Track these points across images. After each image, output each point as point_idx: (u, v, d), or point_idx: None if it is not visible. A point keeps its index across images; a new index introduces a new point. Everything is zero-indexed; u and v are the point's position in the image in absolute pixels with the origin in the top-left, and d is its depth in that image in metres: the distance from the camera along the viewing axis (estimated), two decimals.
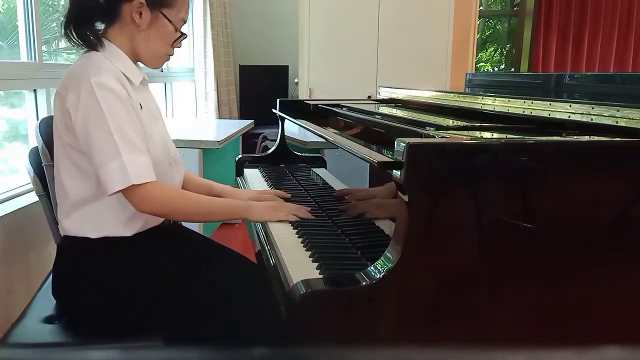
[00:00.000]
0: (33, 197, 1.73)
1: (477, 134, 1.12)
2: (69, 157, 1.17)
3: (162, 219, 1.28)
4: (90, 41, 1.18)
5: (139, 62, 1.27)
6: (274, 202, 1.30)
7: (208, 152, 2.58)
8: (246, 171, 1.88)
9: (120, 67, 1.18)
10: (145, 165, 1.11)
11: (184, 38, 1.27)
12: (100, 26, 1.22)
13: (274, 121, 2.02)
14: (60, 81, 1.18)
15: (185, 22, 1.26)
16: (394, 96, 2.02)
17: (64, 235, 1.23)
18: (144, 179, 1.10)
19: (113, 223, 1.19)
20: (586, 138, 0.96)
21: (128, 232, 1.20)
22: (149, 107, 1.26)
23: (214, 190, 1.46)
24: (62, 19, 1.21)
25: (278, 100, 1.94)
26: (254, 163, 1.93)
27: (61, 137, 1.17)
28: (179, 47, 1.29)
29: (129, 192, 1.10)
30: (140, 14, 1.18)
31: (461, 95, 1.49)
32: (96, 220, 1.18)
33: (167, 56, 1.27)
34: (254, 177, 1.81)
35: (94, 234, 1.18)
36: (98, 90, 1.08)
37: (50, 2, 2.69)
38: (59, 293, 1.23)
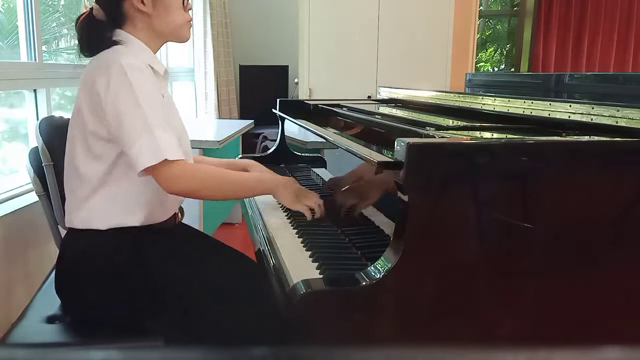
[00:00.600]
0: (33, 197, 1.73)
1: (477, 134, 1.12)
2: (87, 142, 1.16)
3: (166, 218, 1.27)
4: (112, 44, 1.19)
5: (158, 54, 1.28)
6: (300, 190, 1.28)
7: (208, 152, 2.58)
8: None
9: (144, 58, 1.19)
10: (175, 143, 1.11)
11: None
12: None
13: (274, 121, 2.02)
14: (86, 69, 1.19)
15: None
16: (394, 96, 2.02)
17: (69, 229, 1.23)
18: (177, 156, 1.10)
19: (121, 211, 1.19)
20: (586, 138, 0.96)
21: (135, 221, 1.20)
22: (169, 100, 1.28)
23: (238, 166, 1.51)
24: (75, 46, 1.24)
25: (278, 100, 1.94)
26: None
27: (84, 127, 1.15)
28: (190, 7, 1.29)
29: (159, 169, 1.09)
30: (142, 0, 1.19)
31: (461, 95, 1.49)
32: (106, 208, 1.19)
33: (188, 22, 1.27)
34: None
35: (102, 224, 1.18)
36: (129, 70, 1.10)
37: (50, 2, 2.69)
38: (61, 289, 1.24)
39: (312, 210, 1.23)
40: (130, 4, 1.19)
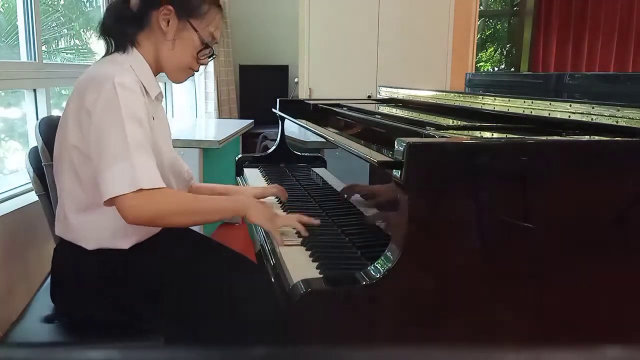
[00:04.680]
0: (33, 197, 1.72)
1: (477, 133, 1.12)
2: (72, 162, 1.14)
3: (159, 229, 1.24)
4: (124, 42, 1.19)
5: (158, 76, 1.26)
6: (269, 212, 1.19)
7: (208, 152, 2.58)
8: (246, 171, 1.88)
9: (140, 75, 1.17)
10: (154, 170, 1.06)
11: (211, 54, 1.25)
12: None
13: (274, 121, 2.02)
14: (80, 78, 1.16)
15: (214, 38, 1.24)
16: (394, 96, 2.02)
17: (61, 239, 1.22)
18: (153, 184, 1.04)
19: (109, 235, 1.16)
20: (586, 138, 0.96)
21: (125, 244, 1.17)
22: (161, 122, 1.26)
23: (216, 191, 1.45)
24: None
25: (278, 100, 1.94)
26: (254, 163, 1.93)
27: (67, 138, 1.13)
28: (205, 64, 1.26)
29: (127, 198, 1.02)
30: (168, 21, 1.18)
31: (461, 95, 1.49)
32: (92, 232, 1.16)
33: (191, 70, 1.24)
34: (254, 177, 1.81)
35: (89, 246, 1.16)
36: (120, 90, 1.07)
37: (50, 2, 2.68)
38: (56, 297, 1.23)
39: (295, 229, 1.16)
40: (157, 17, 1.18)
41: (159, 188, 1.05)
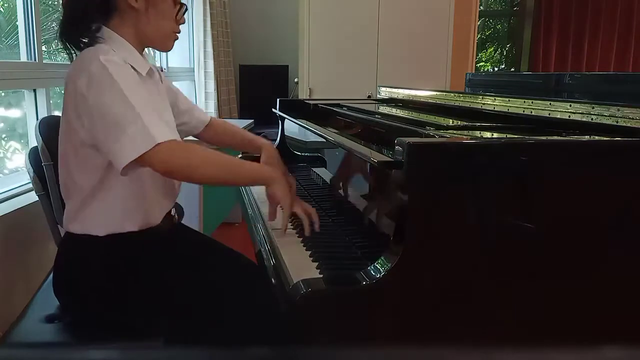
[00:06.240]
0: (33, 197, 1.73)
1: (477, 133, 1.12)
2: (77, 152, 1.14)
3: (160, 221, 1.25)
4: (85, 44, 1.16)
5: (145, 53, 1.25)
6: (292, 193, 1.19)
7: None
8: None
9: (125, 56, 1.15)
10: (165, 125, 1.06)
11: (185, 9, 1.25)
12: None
13: (274, 121, 2.02)
14: (65, 74, 1.14)
15: None
16: (394, 96, 2.02)
17: (67, 233, 1.22)
18: (168, 137, 1.04)
19: (118, 217, 1.17)
20: (586, 138, 0.96)
21: (132, 226, 1.19)
22: (155, 97, 1.24)
23: (246, 136, 1.52)
24: (57, 27, 1.18)
25: (278, 100, 1.94)
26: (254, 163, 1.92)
27: (71, 131, 1.13)
28: (183, 22, 1.26)
29: (151, 155, 1.02)
30: None
31: (461, 95, 1.49)
32: (102, 216, 1.17)
33: (174, 34, 1.24)
34: None
35: (101, 231, 1.17)
36: (109, 64, 1.06)
37: (50, 2, 2.69)
38: (60, 292, 1.23)
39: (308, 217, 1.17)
40: None
41: (178, 141, 1.06)
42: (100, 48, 1.13)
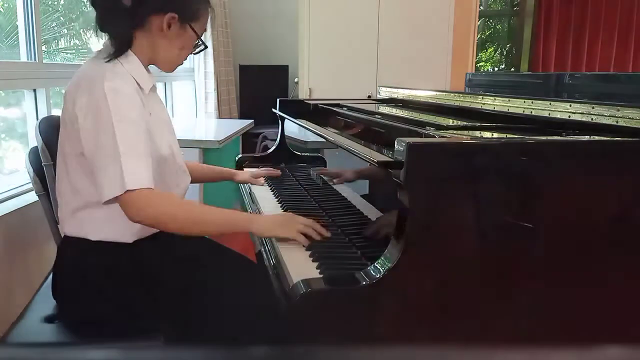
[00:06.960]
0: (33, 197, 1.72)
1: (477, 133, 1.13)
2: (77, 159, 1.15)
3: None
4: (122, 42, 1.17)
5: (149, 67, 1.26)
6: (282, 217, 1.18)
7: (208, 152, 2.58)
8: (246, 171, 1.88)
9: (132, 71, 1.17)
10: (143, 172, 1.07)
11: (204, 48, 1.29)
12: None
13: (274, 121, 2.02)
14: (71, 80, 1.16)
15: (205, 31, 1.29)
16: (394, 96, 2.02)
17: (64, 236, 1.22)
18: (141, 184, 1.06)
19: (115, 228, 1.17)
20: (586, 138, 0.96)
21: (129, 238, 1.18)
22: (158, 114, 1.26)
23: (215, 170, 1.63)
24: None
25: (278, 100, 1.94)
26: (254, 163, 1.93)
27: (71, 136, 1.14)
28: (197, 53, 1.31)
29: (123, 199, 1.06)
30: (170, 25, 1.18)
31: (461, 95, 1.49)
32: (99, 223, 1.17)
33: (182, 62, 1.28)
34: None
35: (95, 236, 1.17)
36: (109, 93, 1.07)
37: (50, 2, 2.69)
38: (58, 294, 1.23)
39: (306, 234, 1.11)
40: (159, 21, 1.17)
41: (153, 192, 1.08)
42: (107, 69, 1.13)
